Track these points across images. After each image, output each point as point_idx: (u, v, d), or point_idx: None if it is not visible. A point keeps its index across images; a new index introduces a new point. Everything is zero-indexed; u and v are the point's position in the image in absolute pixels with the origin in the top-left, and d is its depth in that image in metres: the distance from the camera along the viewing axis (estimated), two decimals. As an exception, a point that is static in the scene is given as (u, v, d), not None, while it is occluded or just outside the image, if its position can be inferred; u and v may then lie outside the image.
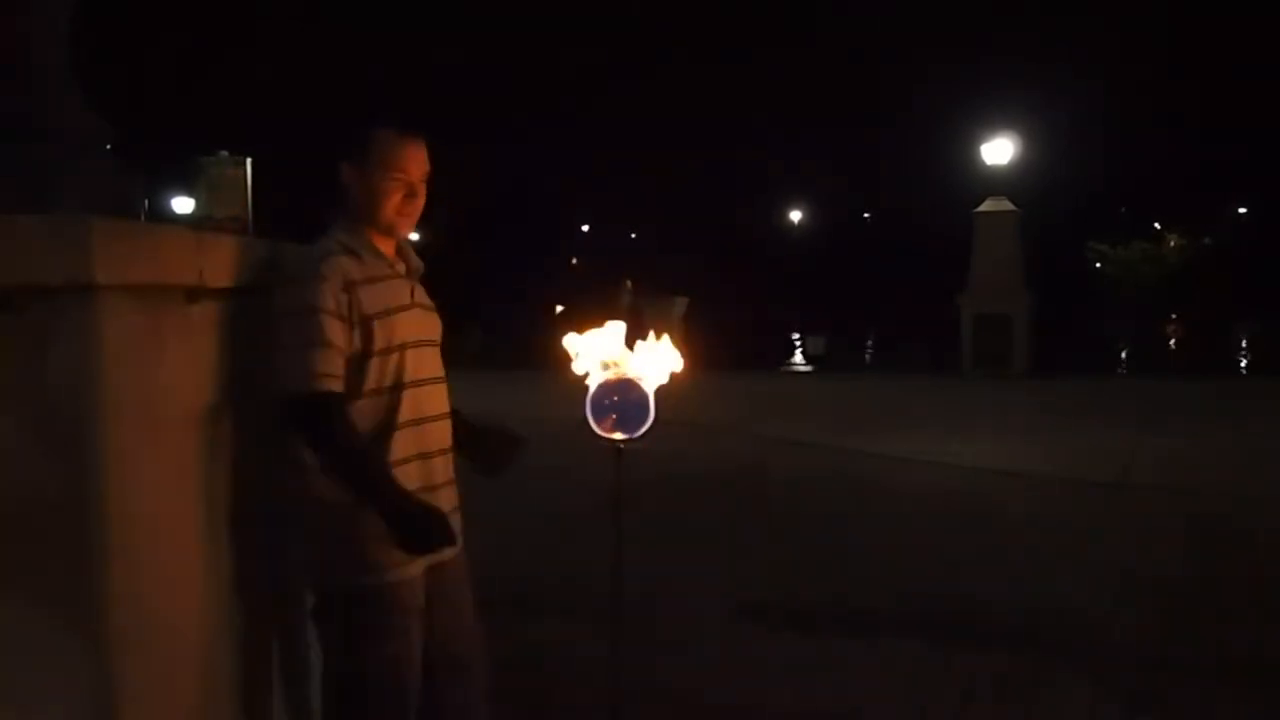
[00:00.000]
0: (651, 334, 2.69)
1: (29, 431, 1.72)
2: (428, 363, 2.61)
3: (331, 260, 2.44)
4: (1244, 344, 24.57)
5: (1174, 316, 27.50)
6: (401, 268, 2.62)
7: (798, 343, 30.37)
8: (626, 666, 3.03)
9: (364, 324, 2.44)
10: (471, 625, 2.73)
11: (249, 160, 2.59)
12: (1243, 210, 43.40)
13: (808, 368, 25.52)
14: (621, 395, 2.62)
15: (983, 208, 18.49)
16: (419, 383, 2.55)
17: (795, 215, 53.65)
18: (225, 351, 2.29)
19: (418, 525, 2.40)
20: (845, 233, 52.95)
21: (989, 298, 17.77)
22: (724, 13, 47.83)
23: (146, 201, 2.38)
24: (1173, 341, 25.56)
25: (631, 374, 2.61)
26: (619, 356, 2.63)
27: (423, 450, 2.55)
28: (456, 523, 2.60)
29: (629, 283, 19.86)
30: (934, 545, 6.70)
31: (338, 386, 2.38)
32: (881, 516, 7.58)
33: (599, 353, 2.66)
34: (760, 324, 31.71)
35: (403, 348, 2.51)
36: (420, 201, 2.58)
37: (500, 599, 5.81)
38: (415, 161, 2.55)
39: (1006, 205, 18.30)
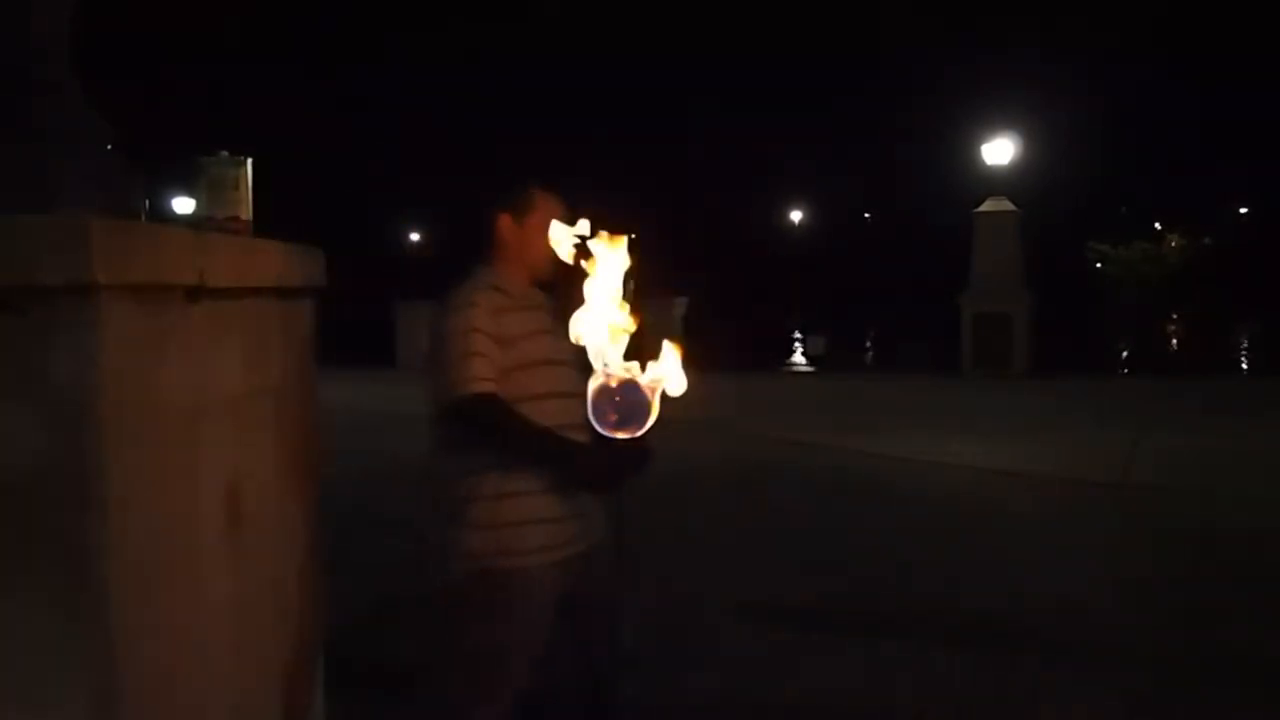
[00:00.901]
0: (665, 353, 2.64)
1: (29, 432, 1.72)
2: (560, 379, 2.94)
3: (483, 293, 2.95)
4: (1245, 344, 24.57)
5: (1174, 316, 27.50)
6: (538, 299, 3.07)
7: (798, 343, 30.37)
8: (630, 666, 3.04)
9: (508, 344, 2.89)
10: (604, 625, 2.93)
11: (249, 160, 2.58)
12: (1244, 210, 43.39)
13: (808, 367, 25.51)
14: (623, 395, 2.61)
15: (983, 208, 18.48)
16: (551, 395, 2.91)
17: (796, 215, 53.65)
18: (227, 351, 2.29)
19: (602, 462, 2.75)
20: (846, 232, 52.97)
21: (989, 297, 17.75)
22: (725, 10, 47.83)
23: (147, 201, 2.38)
24: (1173, 341, 25.55)
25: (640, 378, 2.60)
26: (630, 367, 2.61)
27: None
28: (590, 525, 2.94)
29: (629, 283, 19.83)
30: (934, 545, 6.71)
31: (492, 388, 2.85)
32: (882, 516, 7.59)
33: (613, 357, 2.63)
34: (760, 324, 31.71)
35: (535, 364, 2.92)
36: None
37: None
38: (553, 209, 2.96)
39: (1007, 205, 18.28)
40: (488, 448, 2.88)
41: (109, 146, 2.25)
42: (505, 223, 3.05)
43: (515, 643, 2.89)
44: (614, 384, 2.49)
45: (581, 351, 2.61)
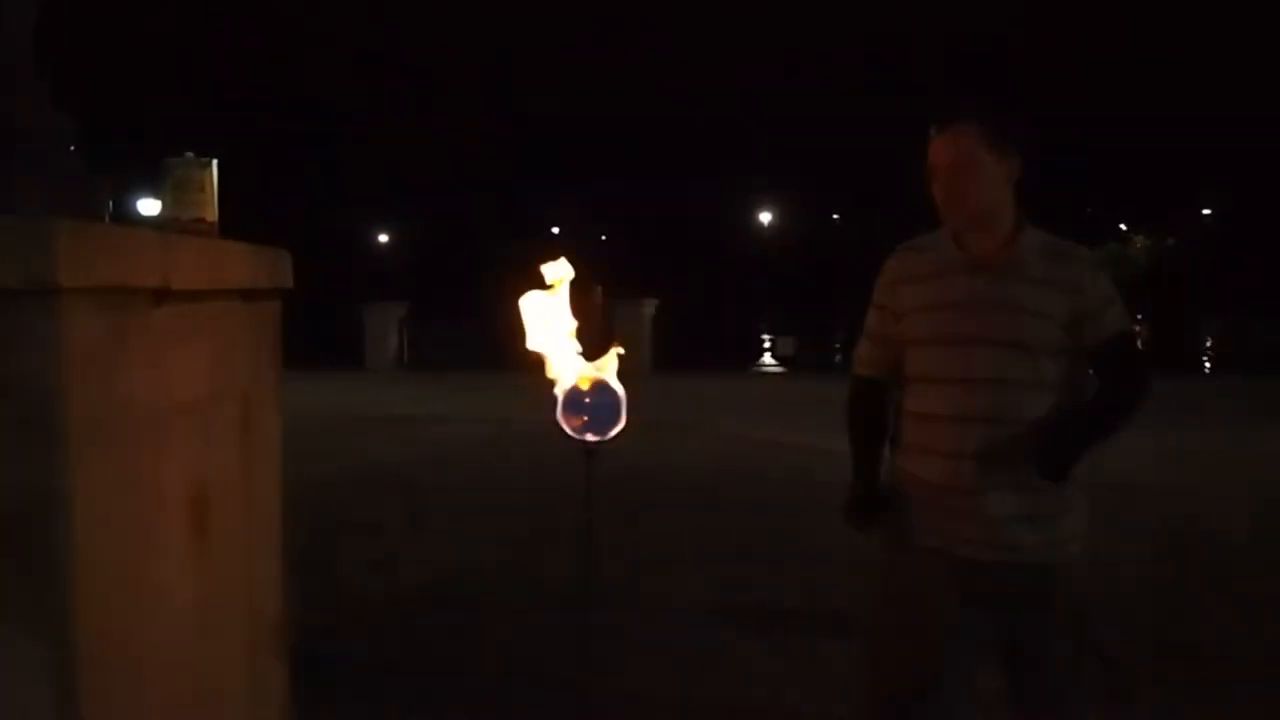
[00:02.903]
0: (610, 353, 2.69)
1: (-9, 436, 1.69)
2: (965, 361, 2.69)
3: (893, 259, 2.84)
4: (1209, 343, 24.82)
5: (1139, 317, 27.75)
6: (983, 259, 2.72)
7: (768, 344, 30.44)
8: (598, 668, 3.03)
9: (901, 318, 2.76)
10: (1045, 625, 2.79)
11: (215, 161, 2.56)
12: (1206, 211, 43.86)
13: (778, 369, 25.59)
14: (593, 397, 2.61)
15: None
16: (942, 380, 2.72)
17: (765, 217, 53.80)
18: (192, 354, 2.27)
19: (846, 498, 2.91)
20: (815, 233, 53.15)
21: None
22: (692, 13, 47.89)
23: (111, 203, 2.35)
24: (1139, 342, 25.83)
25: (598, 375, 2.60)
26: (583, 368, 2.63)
27: (925, 446, 2.76)
28: (1003, 533, 2.69)
29: (598, 286, 19.86)
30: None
31: (866, 371, 2.91)
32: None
33: (570, 362, 2.66)
34: (730, 325, 31.76)
35: (930, 343, 2.74)
36: (952, 190, 2.70)
37: (472, 600, 5.82)
38: (935, 152, 2.72)
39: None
40: None
41: (72, 147, 2.22)
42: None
43: (899, 624, 2.89)
44: (585, 386, 2.50)
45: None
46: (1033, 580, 2.73)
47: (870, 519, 2.87)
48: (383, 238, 52.51)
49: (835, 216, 56.51)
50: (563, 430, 2.64)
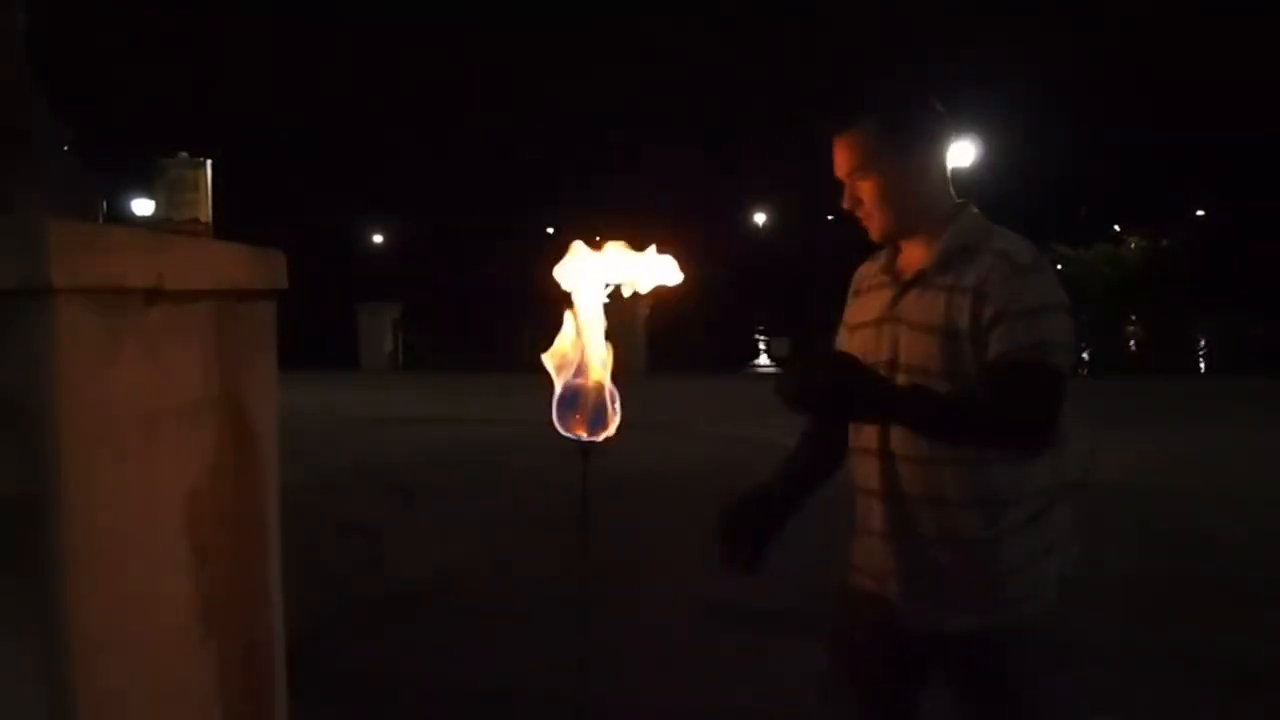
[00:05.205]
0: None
1: (-17, 437, 1.69)
2: None
3: (860, 268, 2.55)
4: (1202, 345, 24.87)
5: (1133, 318, 27.78)
6: (905, 275, 2.37)
7: (763, 345, 30.43)
8: (595, 669, 3.03)
9: (849, 333, 2.50)
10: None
11: (209, 161, 2.55)
12: (1200, 213, 43.95)
13: (774, 369, 25.59)
14: (588, 397, 2.61)
15: (945, 210, 18.63)
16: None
17: (760, 217, 53.82)
18: (186, 355, 2.26)
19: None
20: (809, 234, 53.19)
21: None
22: (685, 12, 47.92)
23: (105, 203, 2.35)
24: (1132, 343, 25.82)
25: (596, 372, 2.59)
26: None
27: (856, 482, 2.49)
28: (928, 589, 2.33)
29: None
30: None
31: None
32: (848, 517, 7.61)
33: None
34: (726, 326, 31.76)
35: None
36: (857, 200, 2.38)
37: (468, 600, 5.81)
38: (835, 162, 2.41)
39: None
40: None
41: (65, 147, 2.22)
42: None
43: (834, 658, 2.65)
44: (581, 385, 2.48)
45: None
46: (971, 654, 2.33)
47: (731, 530, 2.54)
48: (377, 238, 52.51)
49: (830, 217, 56.56)
50: (557, 431, 2.63)
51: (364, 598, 5.85)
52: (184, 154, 2.53)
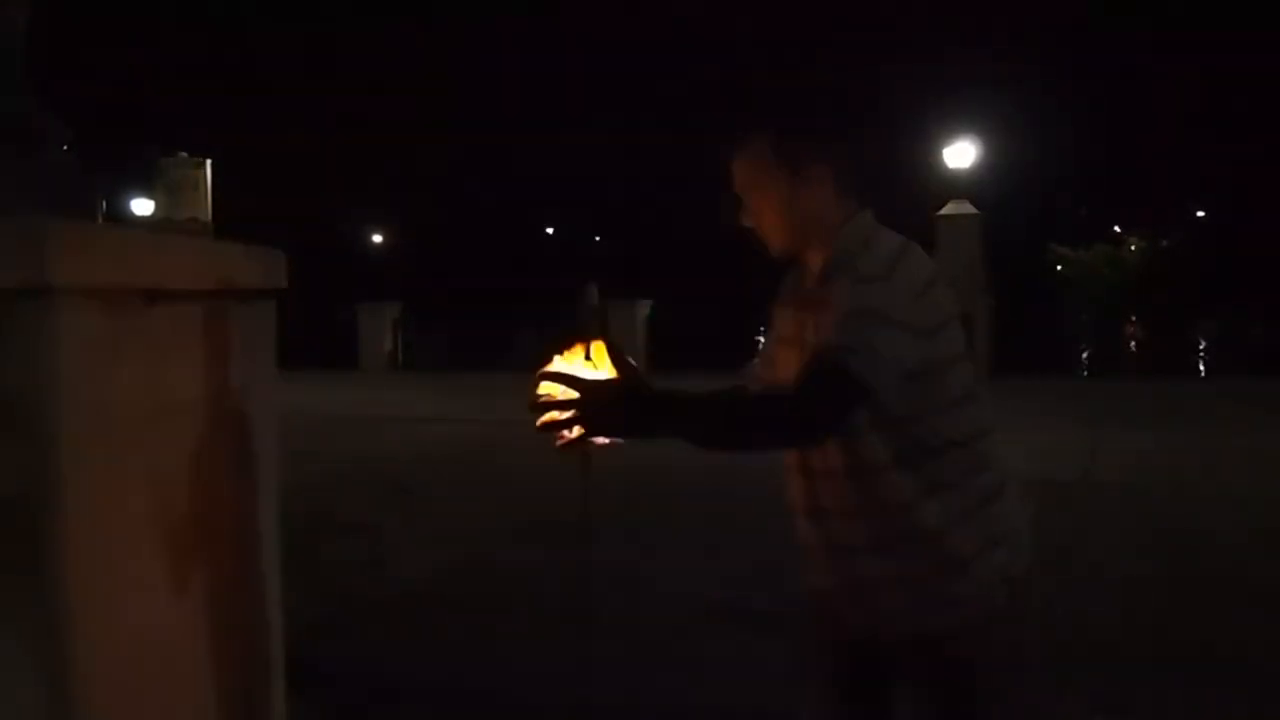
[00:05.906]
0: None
1: (-17, 437, 1.68)
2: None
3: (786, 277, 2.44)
4: (1202, 346, 24.86)
5: (1133, 319, 27.79)
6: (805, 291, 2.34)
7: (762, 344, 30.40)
8: (596, 667, 3.03)
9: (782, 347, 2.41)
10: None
11: (209, 161, 2.56)
12: (1200, 214, 43.93)
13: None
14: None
15: (945, 211, 18.61)
16: None
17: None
18: (186, 354, 2.26)
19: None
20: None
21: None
22: (682, 11, 47.92)
23: (105, 203, 2.35)
24: (1132, 343, 25.84)
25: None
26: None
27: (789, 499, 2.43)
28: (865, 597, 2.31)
29: (594, 288, 19.86)
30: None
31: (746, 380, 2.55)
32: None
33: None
34: (724, 325, 31.74)
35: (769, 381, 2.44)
36: (750, 215, 2.32)
37: (467, 600, 5.81)
38: (735, 177, 2.34)
39: (968, 209, 18.43)
40: None
41: (65, 147, 2.22)
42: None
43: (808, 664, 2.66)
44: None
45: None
46: (919, 658, 2.31)
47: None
48: (377, 238, 52.49)
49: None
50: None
51: (363, 598, 5.85)
52: (184, 154, 2.53)
